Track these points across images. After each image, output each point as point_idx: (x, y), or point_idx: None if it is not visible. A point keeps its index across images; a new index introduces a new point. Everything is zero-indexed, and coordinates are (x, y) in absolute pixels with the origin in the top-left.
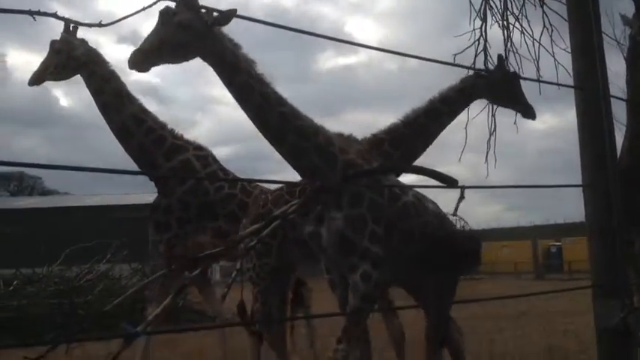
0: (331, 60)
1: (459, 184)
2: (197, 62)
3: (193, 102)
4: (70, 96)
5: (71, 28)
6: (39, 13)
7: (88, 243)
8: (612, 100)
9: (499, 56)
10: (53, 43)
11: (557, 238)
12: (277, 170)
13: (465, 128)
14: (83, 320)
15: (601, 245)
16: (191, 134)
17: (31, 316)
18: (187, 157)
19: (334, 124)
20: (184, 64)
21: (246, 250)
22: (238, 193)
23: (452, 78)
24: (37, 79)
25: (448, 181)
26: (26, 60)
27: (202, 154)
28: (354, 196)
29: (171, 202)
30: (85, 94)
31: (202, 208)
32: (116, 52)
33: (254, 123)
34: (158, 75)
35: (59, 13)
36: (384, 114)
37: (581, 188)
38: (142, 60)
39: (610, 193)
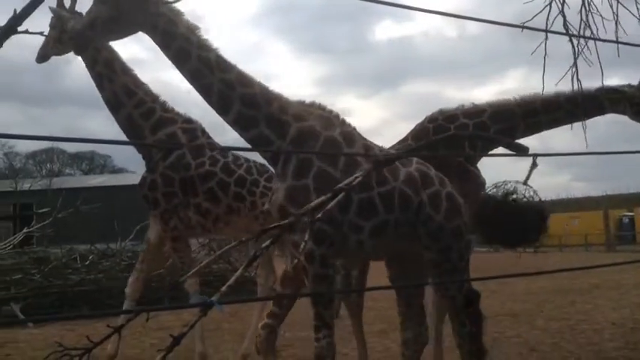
0: (389, 30)
1: (530, 152)
2: (253, 40)
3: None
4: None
5: (64, 1)
6: None
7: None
8: None
9: None
10: (51, 19)
11: (630, 208)
12: None
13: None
14: (156, 292)
15: None
16: None
17: (106, 289)
18: (174, 130)
19: (393, 95)
20: (242, 42)
21: (312, 222)
22: (218, 172)
23: (515, 45)
24: (42, 56)
25: (519, 149)
26: None
27: (190, 127)
28: (301, 166)
29: (155, 178)
30: (145, 73)
31: (184, 183)
32: None
33: (197, 91)
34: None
35: None
36: (444, 84)
37: None
38: (81, 42)
39: None
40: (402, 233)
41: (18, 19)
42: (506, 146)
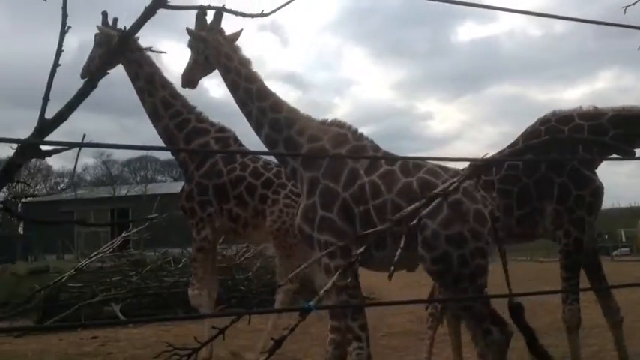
0: (471, 31)
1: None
2: (334, 47)
3: (331, 85)
4: (219, 87)
5: (109, 19)
6: (209, 7)
7: None
8: None
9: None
10: (96, 36)
11: None
12: (423, 148)
13: None
14: (247, 295)
15: None
16: (329, 117)
17: None
18: (207, 139)
19: (476, 98)
20: (321, 47)
21: (409, 228)
22: (247, 177)
23: (604, 44)
24: (87, 71)
25: (625, 152)
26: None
27: (223, 136)
28: (310, 186)
29: (192, 188)
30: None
31: (216, 190)
32: (257, 40)
33: (244, 115)
34: (298, 62)
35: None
36: (529, 86)
37: None
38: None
39: None
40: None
41: (128, 35)
42: (614, 149)
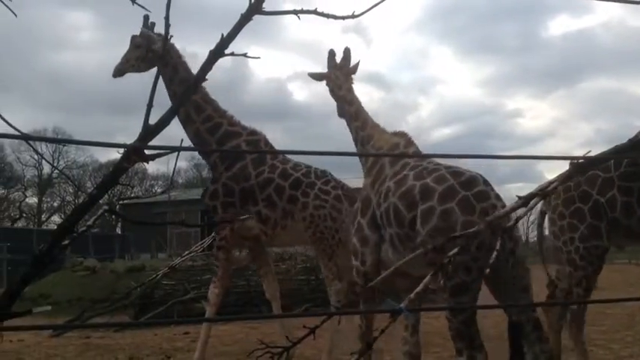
0: (564, 24)
1: None
2: (417, 46)
3: (416, 85)
4: (302, 90)
5: (149, 24)
6: (302, 11)
7: None
8: None
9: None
10: (134, 38)
11: None
12: (514, 147)
13: None
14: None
15: None
16: (413, 117)
17: (282, 290)
18: (239, 142)
19: (569, 93)
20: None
21: (503, 231)
22: (276, 178)
23: None
24: (120, 71)
25: None
26: (265, 57)
27: (254, 139)
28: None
29: (217, 188)
30: (314, 88)
31: (244, 193)
32: (342, 41)
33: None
34: (382, 62)
35: (288, 8)
36: (629, 79)
37: None
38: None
39: None
40: (409, 248)
41: (225, 42)
42: None
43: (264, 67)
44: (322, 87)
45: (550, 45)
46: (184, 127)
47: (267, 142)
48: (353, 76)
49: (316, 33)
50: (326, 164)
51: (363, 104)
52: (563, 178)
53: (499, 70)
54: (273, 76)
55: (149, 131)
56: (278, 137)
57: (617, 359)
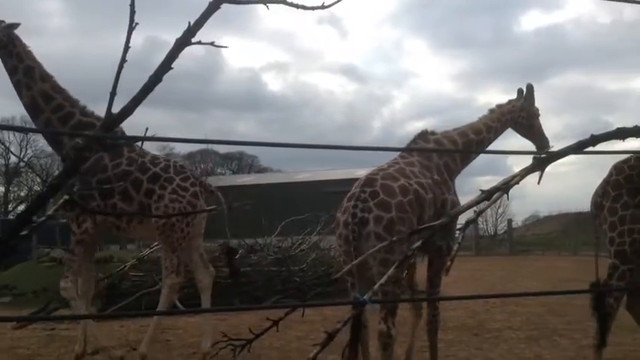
0: (536, 20)
1: None
2: (392, 39)
3: (390, 77)
4: (277, 80)
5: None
6: (270, 0)
7: (300, 216)
8: None
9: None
10: None
11: None
12: None
13: None
14: (302, 287)
15: None
16: (387, 109)
17: (254, 281)
18: (91, 134)
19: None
20: (381, 39)
21: (466, 224)
22: (133, 171)
23: None
24: None
25: None
26: (238, 47)
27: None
28: None
29: (74, 181)
30: (290, 78)
31: (100, 185)
32: (317, 32)
33: None
34: (357, 54)
35: None
36: (597, 75)
37: None
38: None
39: None
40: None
41: (192, 31)
42: None
43: (237, 56)
44: (298, 77)
45: (522, 40)
46: (33, 118)
47: (123, 133)
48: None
49: (291, 23)
50: (305, 157)
51: (338, 95)
52: (526, 172)
53: (472, 64)
54: (246, 65)
55: (112, 120)
56: (252, 128)
57: (579, 348)
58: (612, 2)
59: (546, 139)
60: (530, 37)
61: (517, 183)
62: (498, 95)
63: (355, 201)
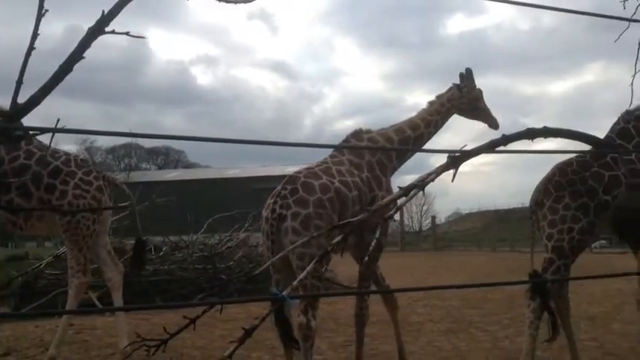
0: (461, 24)
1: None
2: (322, 37)
3: (321, 75)
4: (206, 74)
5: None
6: None
7: (228, 212)
8: None
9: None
10: None
11: None
12: None
13: (631, 84)
14: (227, 285)
15: None
16: (318, 107)
17: (178, 280)
18: None
19: None
20: (311, 37)
21: (385, 219)
22: (33, 165)
23: (592, 37)
24: None
25: (602, 145)
26: (166, 39)
27: None
28: None
29: None
30: (219, 72)
31: None
32: (247, 28)
33: None
34: (287, 51)
35: None
36: (518, 78)
37: None
38: None
39: None
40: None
41: (106, 19)
42: (588, 142)
43: (165, 49)
44: (228, 71)
45: (447, 43)
46: None
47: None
48: None
49: (221, 17)
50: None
51: (269, 91)
52: (441, 170)
53: (400, 64)
54: (175, 58)
55: (17, 110)
56: (180, 122)
57: (494, 340)
58: (532, 9)
59: (493, 118)
60: (455, 40)
61: (432, 180)
62: (426, 96)
63: (276, 198)
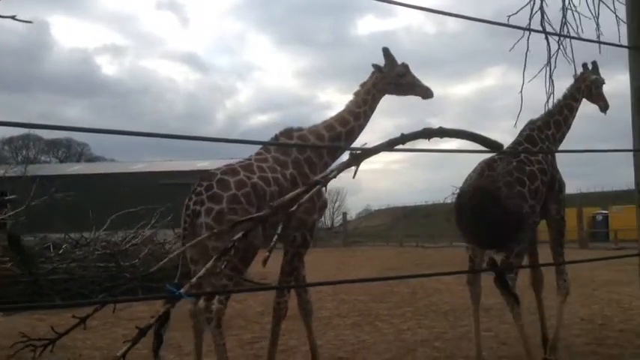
0: (371, 25)
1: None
2: (236, 31)
3: (234, 69)
4: (112, 64)
5: None
6: None
7: (133, 209)
8: None
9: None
10: None
11: (604, 207)
12: None
13: (521, 92)
14: (129, 283)
15: None
16: (231, 101)
17: (79, 278)
18: None
19: None
20: (224, 31)
21: (286, 215)
22: None
23: (494, 42)
24: None
25: (493, 146)
26: (69, 26)
27: None
28: None
29: None
30: (126, 62)
31: None
32: (157, 18)
33: None
34: (198, 44)
35: None
36: (425, 80)
37: (631, 154)
38: None
39: None
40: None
41: None
42: (481, 142)
43: (69, 36)
44: (136, 62)
45: (358, 43)
46: None
47: None
48: None
49: (129, 6)
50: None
51: (180, 84)
52: (343, 167)
53: (313, 62)
54: (78, 46)
55: None
56: (83, 113)
57: (397, 332)
58: (438, 14)
59: (423, 88)
60: (365, 40)
61: (334, 177)
62: (337, 95)
63: (191, 194)
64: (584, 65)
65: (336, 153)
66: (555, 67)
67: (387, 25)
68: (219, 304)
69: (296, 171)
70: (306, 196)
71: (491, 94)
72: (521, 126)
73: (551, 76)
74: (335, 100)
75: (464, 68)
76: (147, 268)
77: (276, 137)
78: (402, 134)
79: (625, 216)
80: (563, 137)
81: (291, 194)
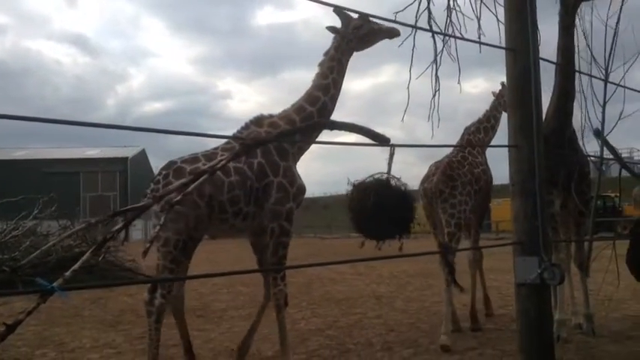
0: (271, 16)
1: (390, 143)
2: (129, 14)
3: (126, 54)
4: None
5: None
6: None
7: (13, 198)
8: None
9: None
10: None
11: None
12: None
13: (408, 88)
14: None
15: (523, 204)
16: (123, 87)
17: None
18: None
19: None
20: (115, 13)
21: (170, 205)
22: None
23: (390, 40)
24: None
25: (380, 140)
26: None
27: None
28: None
29: None
30: (8, 42)
31: None
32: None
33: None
34: (87, 25)
35: None
36: None
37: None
38: None
39: (534, 155)
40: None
41: None
42: (370, 136)
43: None
44: (18, 42)
45: (257, 33)
46: None
47: None
48: None
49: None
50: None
51: (67, 67)
52: (232, 156)
53: (211, 50)
54: None
55: None
56: None
57: (292, 322)
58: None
59: (386, 30)
60: (264, 31)
61: (223, 166)
62: (236, 84)
63: (151, 182)
64: (503, 83)
65: (311, 136)
66: (440, 64)
67: (286, 17)
68: (161, 299)
69: (264, 159)
70: (192, 186)
71: (386, 90)
72: (408, 120)
73: (437, 74)
74: (233, 89)
75: (361, 64)
76: (29, 261)
77: (247, 125)
78: (297, 127)
79: (505, 208)
80: (490, 141)
81: (176, 184)
